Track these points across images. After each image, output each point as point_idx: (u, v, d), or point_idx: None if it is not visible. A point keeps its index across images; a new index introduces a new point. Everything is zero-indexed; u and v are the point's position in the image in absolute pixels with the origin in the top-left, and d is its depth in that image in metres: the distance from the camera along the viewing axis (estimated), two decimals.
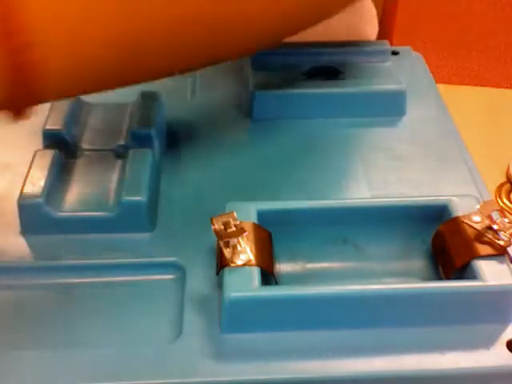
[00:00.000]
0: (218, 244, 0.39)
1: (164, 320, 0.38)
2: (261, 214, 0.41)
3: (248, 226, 0.39)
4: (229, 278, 0.37)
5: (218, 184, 0.47)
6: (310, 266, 0.42)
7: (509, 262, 0.38)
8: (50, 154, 0.45)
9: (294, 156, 0.50)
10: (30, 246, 0.43)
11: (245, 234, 0.38)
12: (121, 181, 0.44)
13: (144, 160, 0.45)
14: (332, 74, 0.55)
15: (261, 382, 0.35)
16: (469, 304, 0.37)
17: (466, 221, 0.40)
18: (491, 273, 0.37)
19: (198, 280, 0.40)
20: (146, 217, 0.43)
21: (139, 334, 0.38)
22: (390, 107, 0.54)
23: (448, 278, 0.40)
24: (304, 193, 0.47)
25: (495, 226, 0.39)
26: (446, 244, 0.40)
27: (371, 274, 0.41)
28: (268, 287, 0.38)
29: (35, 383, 0.35)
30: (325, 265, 0.42)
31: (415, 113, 0.54)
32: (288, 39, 0.72)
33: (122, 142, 0.48)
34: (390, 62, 0.56)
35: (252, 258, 0.38)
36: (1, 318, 0.39)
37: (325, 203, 0.43)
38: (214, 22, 0.41)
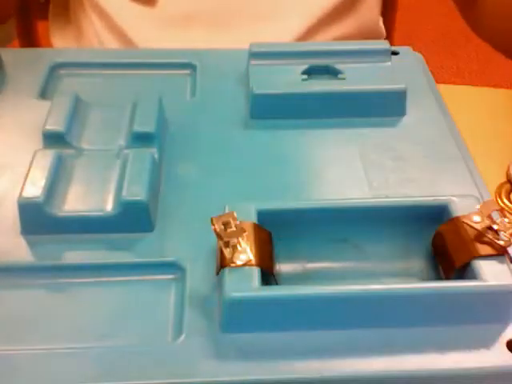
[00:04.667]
0: (218, 244, 0.39)
1: (164, 320, 0.38)
2: (261, 214, 0.41)
3: (248, 226, 0.39)
4: (229, 278, 0.37)
5: (217, 184, 0.47)
6: (310, 265, 0.42)
7: (509, 261, 0.38)
8: (49, 154, 0.45)
9: (293, 156, 0.50)
10: (30, 246, 0.43)
11: (245, 234, 0.38)
12: (121, 181, 0.44)
13: (144, 160, 0.45)
14: (332, 73, 0.55)
15: (261, 381, 0.35)
16: (469, 304, 0.37)
17: (465, 221, 0.40)
18: (491, 273, 0.37)
19: (198, 280, 0.40)
20: (145, 217, 0.43)
21: (139, 334, 0.38)
22: (390, 107, 0.54)
23: (448, 278, 0.40)
24: (304, 193, 0.47)
25: (495, 226, 0.39)
26: (446, 244, 0.40)
27: (371, 273, 0.41)
28: (268, 287, 0.38)
29: (35, 383, 0.35)
30: (325, 265, 0.42)
31: (415, 113, 0.54)
32: (287, 39, 0.72)
33: (122, 142, 0.48)
34: (390, 62, 0.56)
35: (252, 258, 0.38)
36: (1, 318, 0.39)
37: (325, 203, 0.43)
38: None
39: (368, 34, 0.79)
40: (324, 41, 0.74)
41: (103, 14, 0.75)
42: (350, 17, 0.76)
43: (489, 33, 0.71)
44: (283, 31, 0.72)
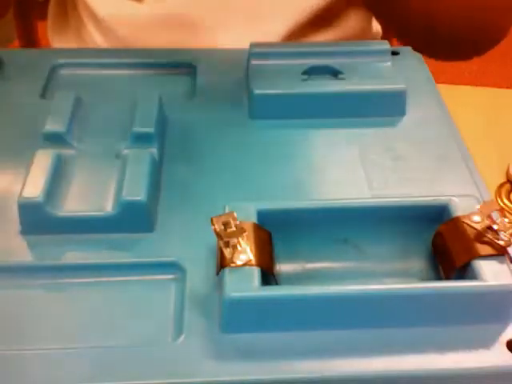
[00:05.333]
0: (218, 244, 0.39)
1: (164, 320, 0.38)
2: (261, 214, 0.41)
3: (248, 226, 0.39)
4: (229, 278, 0.37)
5: (217, 184, 0.47)
6: (310, 265, 0.42)
7: (509, 262, 0.38)
8: (49, 154, 0.45)
9: (293, 156, 0.50)
10: (30, 246, 0.43)
11: (245, 234, 0.38)
12: (121, 181, 0.44)
13: (144, 160, 0.45)
14: (332, 73, 0.55)
15: (261, 381, 0.35)
16: (469, 304, 0.37)
17: (466, 221, 0.40)
18: (491, 273, 0.37)
19: (198, 280, 0.40)
20: (145, 217, 0.43)
21: (139, 334, 0.38)
22: (390, 107, 0.53)
23: (448, 278, 0.40)
24: (304, 193, 0.47)
25: (495, 226, 0.39)
26: (446, 244, 0.40)
27: (371, 274, 0.41)
28: (268, 287, 0.38)
29: (35, 383, 0.35)
30: (325, 265, 0.42)
31: (415, 113, 0.54)
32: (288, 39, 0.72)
33: (121, 142, 0.48)
34: (390, 62, 0.56)
35: (252, 258, 0.38)
36: (1, 318, 0.39)
37: (325, 203, 0.43)
38: None
39: (364, 33, 0.79)
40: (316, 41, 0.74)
41: (94, 15, 0.75)
42: (344, 16, 0.76)
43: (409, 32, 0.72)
44: (273, 32, 0.72)
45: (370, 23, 0.81)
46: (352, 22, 0.76)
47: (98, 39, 0.75)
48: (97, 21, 0.75)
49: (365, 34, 0.79)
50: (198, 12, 0.72)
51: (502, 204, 0.58)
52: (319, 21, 0.73)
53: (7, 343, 0.37)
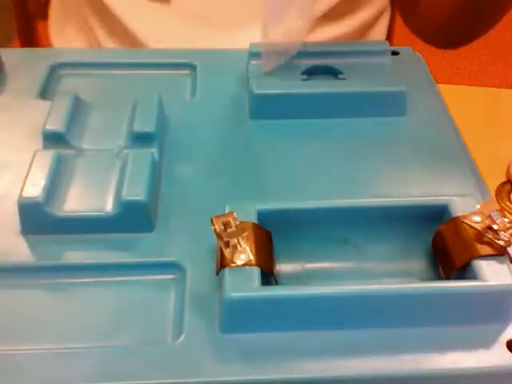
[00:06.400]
0: (218, 244, 0.39)
1: (164, 320, 0.38)
2: (261, 214, 0.41)
3: (248, 226, 0.39)
4: (229, 277, 0.37)
5: (218, 184, 0.47)
6: (309, 265, 0.42)
7: (509, 262, 0.38)
8: (49, 154, 0.45)
9: (293, 156, 0.50)
10: (30, 246, 0.43)
11: (245, 234, 0.38)
12: (121, 181, 0.44)
13: (144, 160, 0.45)
14: (332, 73, 0.55)
15: (261, 381, 0.35)
16: (469, 304, 0.37)
17: (466, 221, 0.40)
18: (491, 273, 0.37)
19: (198, 280, 0.40)
20: (145, 217, 0.43)
21: (139, 334, 0.38)
22: (390, 107, 0.53)
23: (448, 278, 0.40)
24: (304, 193, 0.47)
25: (495, 226, 0.39)
26: (445, 244, 0.40)
27: (371, 274, 0.41)
28: (268, 287, 0.38)
29: (35, 383, 0.35)
30: (325, 265, 0.42)
31: (415, 113, 0.54)
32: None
33: (121, 142, 0.48)
34: (390, 62, 0.56)
35: (252, 258, 0.38)
36: (1, 318, 0.39)
37: (325, 203, 0.43)
38: None
39: (367, 34, 0.79)
40: (323, 39, 0.74)
41: (105, 16, 0.75)
42: (348, 16, 0.76)
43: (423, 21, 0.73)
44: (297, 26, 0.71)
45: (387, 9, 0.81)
46: (370, 8, 0.77)
47: (104, 37, 0.75)
48: (109, 21, 0.74)
49: (380, 20, 0.80)
50: (219, 11, 0.72)
51: (502, 204, 0.58)
52: (328, 18, 0.74)
53: (7, 343, 0.37)
